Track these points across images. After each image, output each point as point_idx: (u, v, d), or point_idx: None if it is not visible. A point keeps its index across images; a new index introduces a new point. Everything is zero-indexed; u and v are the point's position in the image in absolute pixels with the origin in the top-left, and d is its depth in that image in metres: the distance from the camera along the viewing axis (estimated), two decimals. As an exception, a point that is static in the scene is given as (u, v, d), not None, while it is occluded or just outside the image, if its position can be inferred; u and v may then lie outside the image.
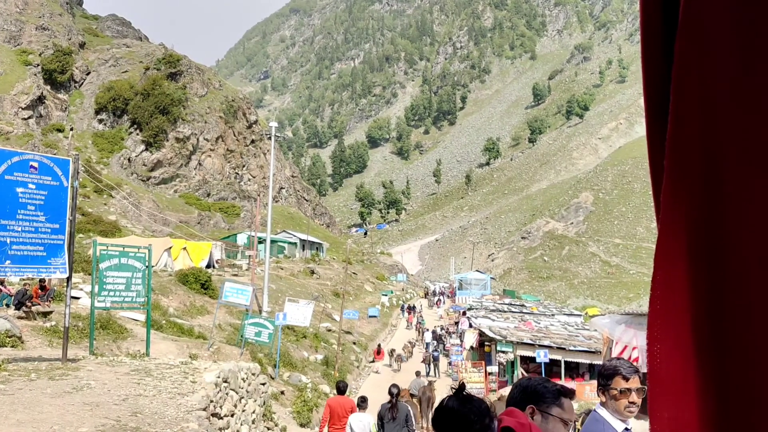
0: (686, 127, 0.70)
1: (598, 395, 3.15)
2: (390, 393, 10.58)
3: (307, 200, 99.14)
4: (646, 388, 1.52)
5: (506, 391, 22.19)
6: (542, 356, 22.57)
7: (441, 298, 65.85)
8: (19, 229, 8.57)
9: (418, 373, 23.25)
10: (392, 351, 33.37)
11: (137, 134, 67.93)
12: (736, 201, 0.65)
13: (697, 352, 0.68)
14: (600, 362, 15.58)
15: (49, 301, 16.05)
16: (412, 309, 52.39)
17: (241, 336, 19.80)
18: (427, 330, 40.76)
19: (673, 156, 0.71)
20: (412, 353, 35.22)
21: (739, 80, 0.64)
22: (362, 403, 10.82)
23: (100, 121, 69.22)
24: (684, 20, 0.69)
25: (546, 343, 24.46)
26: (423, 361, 31.93)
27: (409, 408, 10.88)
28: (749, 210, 0.64)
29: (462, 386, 2.42)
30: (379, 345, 34.97)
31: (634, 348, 11.50)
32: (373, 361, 33.38)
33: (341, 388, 11.60)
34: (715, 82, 0.67)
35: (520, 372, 24.05)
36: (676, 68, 0.70)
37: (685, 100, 0.70)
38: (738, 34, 0.64)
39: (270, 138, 37.98)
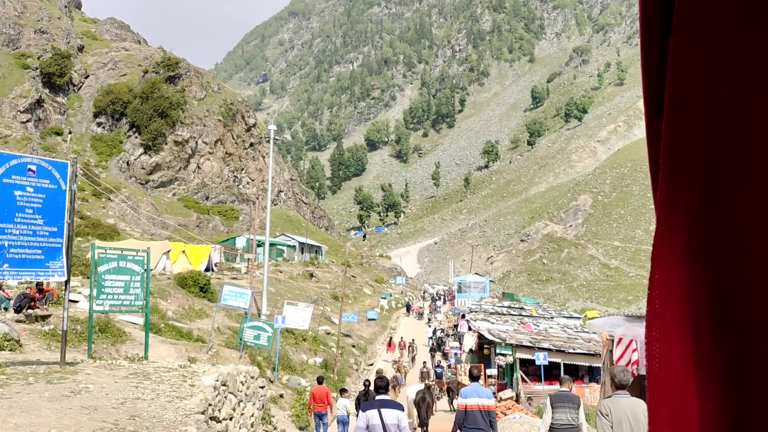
0: (684, 123, 0.69)
1: None
2: (364, 384, 15.42)
3: (305, 203, 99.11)
4: None
5: (506, 394, 22.15)
6: (541, 359, 22.54)
7: (439, 309, 62.22)
8: (17, 232, 8.54)
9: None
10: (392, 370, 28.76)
11: (136, 137, 67.88)
12: (736, 197, 0.64)
13: (696, 351, 0.67)
14: (599, 365, 15.48)
15: (48, 305, 16.01)
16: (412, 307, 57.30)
17: (240, 339, 19.76)
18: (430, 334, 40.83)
19: (670, 153, 0.70)
20: (405, 379, 28.25)
21: (737, 73, 0.63)
22: (343, 392, 16.68)
23: (99, 124, 69.17)
24: (679, 16, 0.69)
25: (545, 345, 24.40)
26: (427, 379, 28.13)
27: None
28: (749, 206, 0.63)
29: None
30: (390, 338, 35.71)
31: (634, 350, 11.46)
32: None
33: (320, 380, 16.53)
34: (713, 76, 0.66)
35: (519, 375, 24.03)
36: (672, 65, 0.70)
37: (682, 97, 0.69)
38: (734, 28, 0.63)
39: (269, 141, 37.93)
